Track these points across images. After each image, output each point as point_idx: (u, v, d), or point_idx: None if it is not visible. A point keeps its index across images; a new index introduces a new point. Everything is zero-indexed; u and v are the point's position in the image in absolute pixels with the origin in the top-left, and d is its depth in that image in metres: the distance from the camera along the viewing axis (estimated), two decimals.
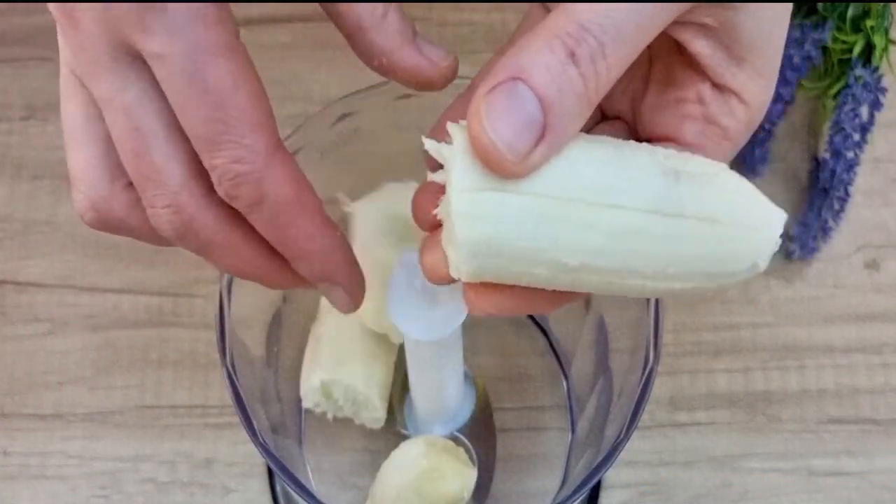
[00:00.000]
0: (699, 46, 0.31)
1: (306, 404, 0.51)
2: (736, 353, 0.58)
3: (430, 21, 0.66)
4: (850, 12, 0.59)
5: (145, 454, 0.55)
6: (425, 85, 0.35)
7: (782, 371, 0.58)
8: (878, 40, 0.59)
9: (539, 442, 0.55)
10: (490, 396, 0.55)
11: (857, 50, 0.59)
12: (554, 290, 0.32)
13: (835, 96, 0.60)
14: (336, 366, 0.50)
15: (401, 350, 0.53)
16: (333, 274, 0.35)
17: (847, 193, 0.60)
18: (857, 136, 0.59)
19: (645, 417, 0.54)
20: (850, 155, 0.59)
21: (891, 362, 0.58)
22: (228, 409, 0.56)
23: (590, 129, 0.36)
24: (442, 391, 0.49)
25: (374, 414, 0.51)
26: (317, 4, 0.34)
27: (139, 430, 0.56)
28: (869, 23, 0.59)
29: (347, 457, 0.54)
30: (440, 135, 0.32)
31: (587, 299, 0.52)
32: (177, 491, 0.54)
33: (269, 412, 0.48)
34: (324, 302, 0.53)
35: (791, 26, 0.60)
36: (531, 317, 0.57)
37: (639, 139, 0.34)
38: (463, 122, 0.30)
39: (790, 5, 0.32)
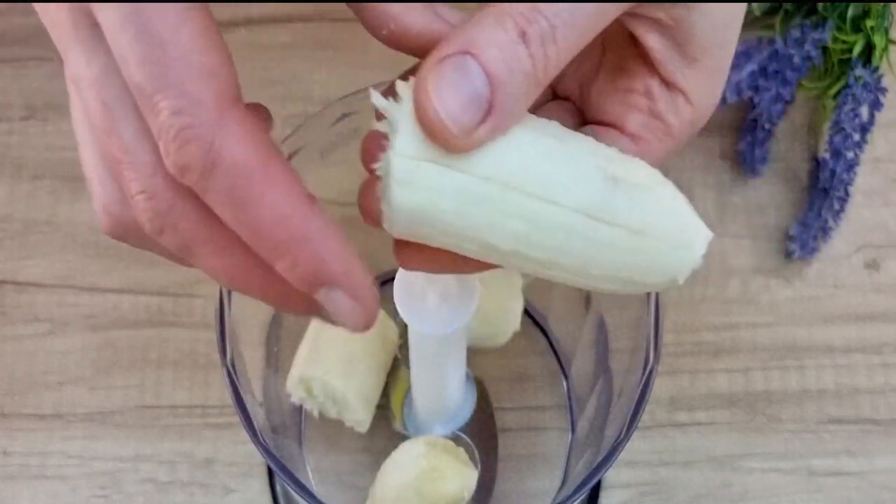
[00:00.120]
0: (652, 41, 0.31)
1: (293, 399, 0.51)
2: (736, 353, 0.58)
3: None
4: (850, 12, 0.59)
5: (145, 454, 0.55)
6: None
7: (782, 371, 0.58)
8: (878, 40, 0.59)
9: (539, 442, 0.55)
10: (490, 396, 0.55)
11: (857, 50, 0.59)
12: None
13: (835, 96, 0.60)
14: (313, 362, 0.50)
15: (403, 350, 0.53)
16: (325, 271, 0.28)
17: (847, 193, 0.60)
18: (857, 136, 0.59)
19: (645, 417, 0.54)
20: (850, 155, 0.59)
21: (891, 362, 0.58)
22: (228, 409, 0.56)
23: (540, 106, 0.35)
24: (444, 389, 0.49)
25: (355, 416, 0.51)
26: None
27: (139, 430, 0.56)
28: (869, 23, 0.59)
29: (347, 457, 0.54)
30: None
31: (587, 299, 0.52)
32: (177, 491, 0.54)
33: (269, 412, 0.48)
34: None
35: (791, 26, 0.60)
36: (531, 317, 0.57)
37: (585, 122, 0.34)
38: (410, 82, 0.30)
39: (742, 14, 0.32)
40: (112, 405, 0.57)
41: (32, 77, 0.65)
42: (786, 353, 0.58)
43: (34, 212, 0.61)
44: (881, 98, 0.60)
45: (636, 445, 0.55)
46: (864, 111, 0.59)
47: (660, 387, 0.57)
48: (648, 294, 0.44)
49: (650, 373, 0.43)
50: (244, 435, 0.42)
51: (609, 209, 0.30)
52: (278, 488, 0.54)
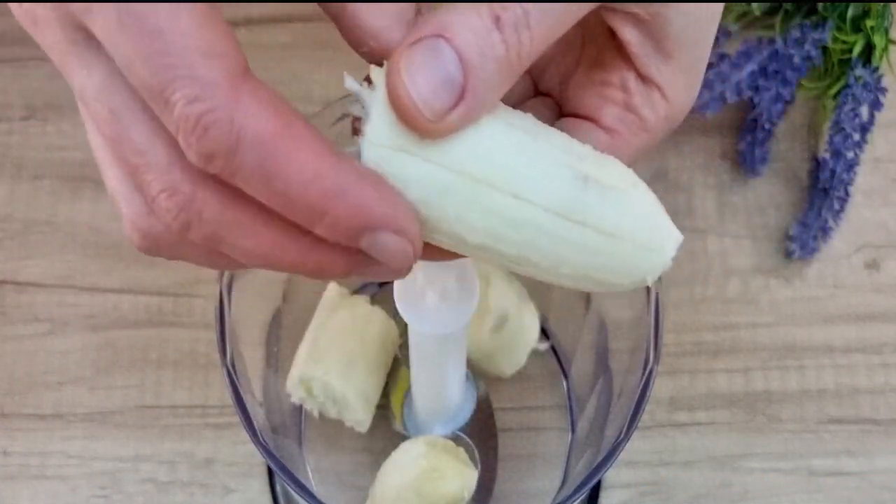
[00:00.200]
0: (628, 35, 0.31)
1: (293, 399, 0.51)
2: (736, 353, 0.58)
3: None
4: (850, 12, 0.59)
5: (145, 454, 0.55)
6: None
7: (782, 371, 0.58)
8: (878, 40, 0.59)
9: (539, 442, 0.55)
10: (490, 396, 0.55)
11: (857, 50, 0.59)
12: None
13: (835, 96, 0.60)
14: (313, 362, 0.50)
15: (403, 350, 0.53)
16: (368, 217, 0.27)
17: (847, 193, 0.60)
18: (857, 136, 0.59)
19: (645, 417, 0.54)
20: (850, 155, 0.59)
21: (891, 362, 0.58)
22: (228, 409, 0.56)
23: (521, 103, 0.35)
24: (444, 389, 0.49)
25: (355, 416, 0.51)
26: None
27: (139, 430, 0.56)
28: (869, 23, 0.59)
29: (347, 457, 0.54)
30: None
31: (587, 299, 0.52)
32: (177, 491, 0.54)
33: (269, 412, 0.48)
34: (323, 300, 0.53)
35: (791, 26, 0.60)
36: None
37: (562, 115, 0.34)
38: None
39: (719, 12, 0.32)
40: (112, 405, 0.57)
41: (32, 77, 0.65)
42: (786, 353, 0.58)
43: (34, 212, 0.61)
44: (881, 98, 0.60)
45: (636, 445, 0.55)
46: (864, 111, 0.59)
47: (660, 387, 0.57)
48: (648, 294, 0.44)
49: (650, 373, 0.43)
50: (244, 435, 0.42)
51: (579, 209, 0.29)
52: (278, 488, 0.54)
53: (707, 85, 0.60)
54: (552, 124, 0.33)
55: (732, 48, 0.61)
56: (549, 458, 0.55)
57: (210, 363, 0.57)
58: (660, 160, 0.62)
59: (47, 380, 0.57)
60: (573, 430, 0.55)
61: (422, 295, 0.41)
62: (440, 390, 0.49)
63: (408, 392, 0.52)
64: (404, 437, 0.52)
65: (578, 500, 0.49)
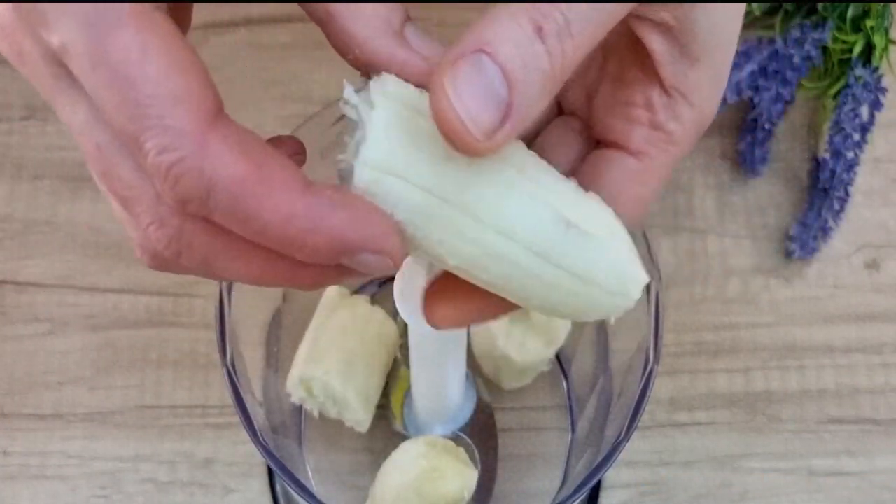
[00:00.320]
0: (655, 43, 0.31)
1: (293, 399, 0.51)
2: (736, 353, 0.58)
3: (429, 21, 0.66)
4: (850, 12, 0.59)
5: (145, 454, 0.55)
6: (420, 84, 0.30)
7: (782, 371, 0.58)
8: (878, 40, 0.59)
9: (539, 442, 0.55)
10: (490, 396, 0.55)
11: (857, 50, 0.59)
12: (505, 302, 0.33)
13: (835, 96, 0.60)
14: (313, 362, 0.50)
15: (403, 350, 0.53)
16: (345, 246, 0.28)
17: (847, 193, 0.60)
18: (857, 136, 0.59)
19: (645, 417, 0.54)
20: (850, 155, 0.59)
21: (891, 362, 0.58)
22: (228, 409, 0.56)
23: (547, 122, 0.36)
24: (444, 389, 0.49)
25: (355, 416, 0.51)
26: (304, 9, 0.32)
27: (139, 430, 0.56)
28: (869, 23, 0.59)
29: (347, 457, 0.54)
30: None
31: None
32: (177, 491, 0.54)
33: (269, 412, 0.48)
34: (323, 300, 0.53)
35: (791, 26, 0.60)
36: None
37: (593, 140, 0.35)
38: (387, 87, 0.29)
39: (742, 13, 0.32)
40: (112, 405, 0.57)
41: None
42: (786, 353, 0.58)
43: (34, 212, 0.61)
44: (881, 98, 0.60)
45: (636, 445, 0.55)
46: (864, 111, 0.59)
47: (660, 387, 0.57)
48: (648, 294, 0.44)
49: (650, 373, 0.43)
50: (244, 435, 0.42)
51: (557, 252, 0.30)
52: (278, 488, 0.54)
53: None
54: (580, 146, 0.35)
55: None
56: (549, 458, 0.55)
57: (210, 363, 0.57)
58: None
59: (47, 380, 0.57)
60: (573, 430, 0.55)
61: (421, 296, 0.41)
62: (440, 390, 0.49)
63: (408, 392, 0.52)
64: (404, 437, 0.52)
65: (578, 500, 0.49)
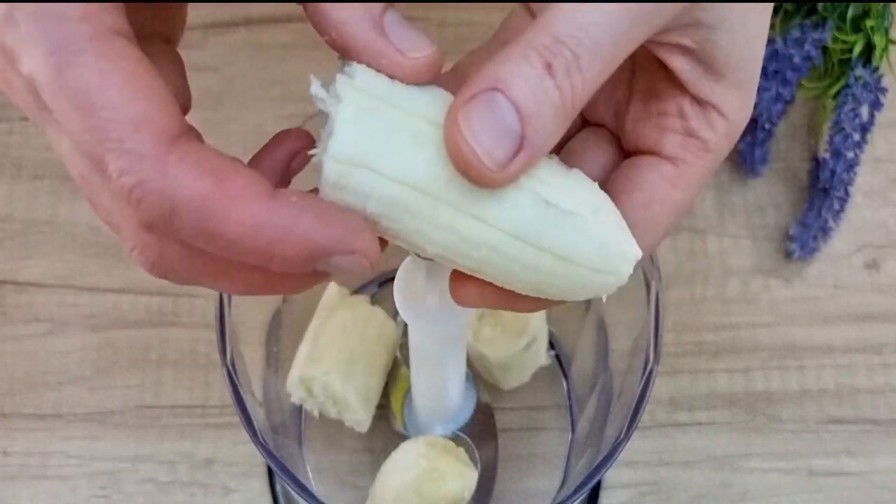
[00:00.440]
0: (677, 63, 0.31)
1: (293, 399, 0.51)
2: (736, 353, 0.58)
3: (429, 21, 0.66)
4: (850, 12, 0.59)
5: (145, 454, 0.55)
6: (395, 76, 0.30)
7: (782, 371, 0.58)
8: (878, 40, 0.59)
9: (539, 442, 0.55)
10: (490, 397, 0.55)
11: (857, 50, 0.59)
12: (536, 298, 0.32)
13: (835, 96, 0.60)
14: (313, 362, 0.50)
15: (403, 350, 0.53)
16: (315, 251, 0.28)
17: (847, 193, 0.60)
18: (857, 136, 0.59)
19: (645, 417, 0.54)
20: (850, 155, 0.59)
21: (891, 362, 0.58)
22: (228, 409, 0.56)
23: (571, 135, 0.36)
24: (444, 389, 0.49)
25: (355, 416, 0.51)
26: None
27: (139, 430, 0.56)
28: (869, 23, 0.59)
29: (347, 457, 0.54)
30: None
31: (587, 299, 0.52)
32: (177, 491, 0.54)
33: (269, 412, 0.48)
34: (323, 300, 0.53)
35: (791, 26, 0.60)
36: None
37: (622, 150, 0.35)
38: (355, 76, 0.29)
39: (767, 22, 0.32)
40: (112, 405, 0.57)
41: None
42: (786, 353, 0.58)
43: (34, 212, 0.61)
44: (881, 98, 0.60)
45: (636, 445, 0.55)
46: (864, 111, 0.59)
47: (660, 387, 0.57)
48: (648, 294, 0.44)
49: (650, 373, 0.43)
50: (244, 435, 0.42)
51: (536, 233, 0.30)
52: (278, 488, 0.54)
53: None
54: (609, 154, 0.34)
55: None
56: (549, 458, 0.55)
57: (210, 363, 0.57)
58: None
59: (47, 380, 0.57)
60: (573, 430, 0.55)
61: (422, 295, 0.41)
62: (440, 390, 0.49)
63: (408, 392, 0.52)
64: (404, 437, 0.52)
65: (578, 500, 0.49)
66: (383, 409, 0.54)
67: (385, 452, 0.49)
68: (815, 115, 0.64)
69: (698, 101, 0.32)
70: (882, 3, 0.60)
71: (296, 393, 0.51)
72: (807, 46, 0.59)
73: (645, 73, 0.34)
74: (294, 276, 0.30)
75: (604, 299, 0.32)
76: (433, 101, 0.30)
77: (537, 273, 0.30)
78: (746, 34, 0.31)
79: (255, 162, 0.33)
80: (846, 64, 0.60)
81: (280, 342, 0.51)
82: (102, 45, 0.27)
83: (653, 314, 0.44)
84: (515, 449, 0.55)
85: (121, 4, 0.28)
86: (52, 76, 0.26)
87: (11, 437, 0.56)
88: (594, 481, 0.42)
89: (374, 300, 0.55)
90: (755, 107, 0.60)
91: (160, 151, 0.27)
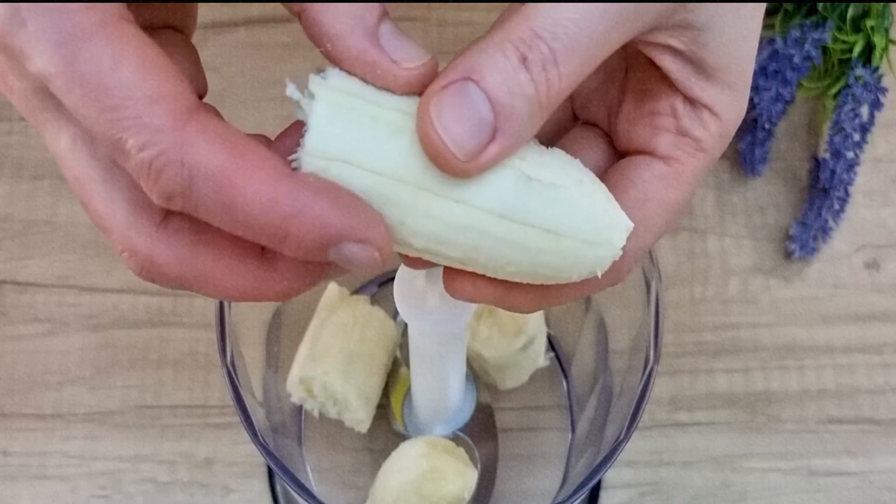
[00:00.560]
0: (668, 63, 0.31)
1: (293, 399, 0.51)
2: (736, 353, 0.58)
3: (429, 21, 0.66)
4: (850, 12, 0.59)
5: (145, 454, 0.55)
6: (389, 87, 0.30)
7: (782, 371, 0.58)
8: (878, 40, 0.59)
9: (539, 442, 0.55)
10: (490, 396, 0.55)
11: (857, 50, 0.59)
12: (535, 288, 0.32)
13: (835, 96, 0.60)
14: (313, 362, 0.50)
15: (403, 350, 0.53)
16: (328, 234, 0.28)
17: (847, 193, 0.60)
18: (857, 136, 0.59)
19: (645, 417, 0.54)
20: (850, 155, 0.59)
21: (891, 362, 0.58)
22: (228, 409, 0.56)
23: (564, 131, 0.36)
24: (444, 389, 0.49)
25: (355, 415, 0.51)
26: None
27: (139, 430, 0.56)
28: (869, 23, 0.59)
29: (347, 457, 0.54)
30: None
31: (587, 299, 0.52)
32: (177, 491, 0.54)
33: (269, 412, 0.48)
34: (323, 300, 0.53)
35: (791, 26, 0.60)
36: None
37: (615, 150, 0.35)
38: (329, 78, 0.30)
39: (759, 23, 0.32)
40: (112, 405, 0.57)
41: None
42: (786, 353, 0.58)
43: (34, 212, 0.61)
44: (881, 98, 0.60)
45: (636, 445, 0.55)
46: (864, 111, 0.59)
47: (660, 387, 0.57)
48: (648, 294, 0.44)
49: (650, 373, 0.43)
50: (244, 435, 0.42)
51: (521, 210, 0.29)
52: (278, 488, 0.54)
53: None
54: (602, 152, 0.34)
55: None
56: (549, 458, 0.55)
57: (210, 363, 0.57)
58: None
59: (47, 380, 0.57)
60: (573, 430, 0.55)
61: (422, 295, 0.41)
62: (440, 390, 0.49)
63: (408, 392, 0.52)
64: (404, 437, 0.52)
65: (578, 500, 0.49)
66: (383, 409, 0.54)
67: (385, 452, 0.49)
68: (815, 115, 0.64)
69: (690, 101, 0.32)
70: (882, 3, 0.60)
71: (296, 393, 0.51)
72: (807, 46, 0.59)
73: (637, 73, 0.34)
74: (286, 278, 0.30)
75: (599, 273, 0.31)
76: (408, 94, 0.30)
77: (527, 252, 0.30)
78: (736, 35, 0.31)
79: (276, 145, 0.32)
80: (846, 64, 0.60)
81: (280, 342, 0.51)
82: (111, 30, 0.27)
83: (653, 314, 0.43)
84: (515, 449, 0.55)
85: None
86: (64, 65, 0.27)
87: (11, 437, 0.56)
88: (594, 481, 0.42)
89: (374, 300, 0.55)
90: (755, 107, 0.60)
91: (178, 123, 0.27)
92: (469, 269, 0.31)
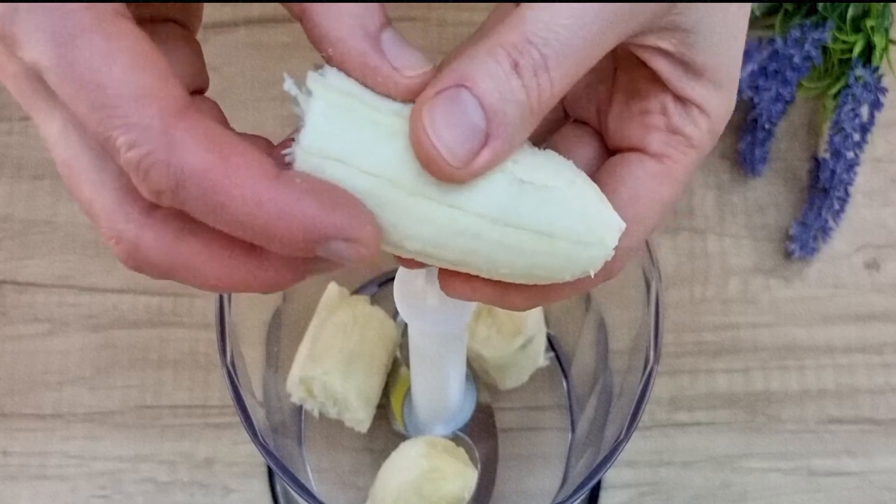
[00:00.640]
0: (658, 64, 0.32)
1: (293, 399, 0.51)
2: (736, 353, 0.58)
3: (429, 21, 0.66)
4: (850, 12, 0.59)
5: (145, 454, 0.55)
6: (389, 94, 0.30)
7: (782, 371, 0.58)
8: (878, 40, 0.59)
9: (539, 442, 0.55)
10: (490, 396, 0.55)
11: (857, 50, 0.59)
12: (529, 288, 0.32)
13: (835, 96, 0.60)
14: (313, 362, 0.50)
15: (403, 350, 0.53)
16: (314, 234, 0.28)
17: (847, 193, 0.60)
18: (857, 136, 0.59)
19: (645, 417, 0.54)
20: (850, 155, 0.59)
21: (891, 362, 0.58)
22: (228, 409, 0.56)
23: (554, 130, 0.36)
24: (444, 389, 0.49)
25: (355, 415, 0.51)
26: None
27: (139, 430, 0.56)
28: (869, 23, 0.59)
29: (347, 457, 0.54)
30: None
31: (587, 299, 0.52)
32: (177, 491, 0.54)
33: (269, 412, 0.48)
34: (323, 300, 0.53)
35: (791, 26, 0.60)
36: None
37: (606, 148, 0.35)
38: (327, 76, 0.30)
39: (745, 21, 0.33)
40: (112, 405, 0.57)
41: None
42: (786, 353, 0.58)
43: (34, 212, 0.61)
44: (881, 98, 0.60)
45: (636, 445, 0.55)
46: (864, 111, 0.59)
47: (660, 387, 0.57)
48: (648, 294, 0.44)
49: (650, 373, 0.43)
50: (244, 435, 0.42)
51: (514, 213, 0.30)
52: (278, 488, 0.54)
53: None
54: (593, 150, 0.34)
55: None
56: (549, 458, 0.55)
57: (210, 363, 0.57)
58: None
59: (47, 380, 0.57)
60: (573, 430, 0.55)
61: (422, 295, 0.41)
62: (440, 390, 0.49)
63: (408, 392, 0.52)
64: (404, 437, 0.52)
65: (578, 500, 0.49)
66: (383, 409, 0.54)
67: (385, 452, 0.49)
68: (815, 115, 0.64)
69: (680, 100, 0.32)
70: (882, 3, 0.60)
71: (296, 393, 0.51)
72: (807, 46, 0.59)
73: (627, 72, 0.34)
74: (275, 270, 0.30)
75: (592, 273, 0.31)
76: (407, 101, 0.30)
77: (521, 254, 0.30)
78: (724, 34, 0.32)
79: (279, 149, 0.32)
80: (846, 64, 0.60)
81: (280, 342, 0.51)
82: (106, 27, 0.27)
83: (653, 314, 0.43)
84: (515, 449, 0.55)
85: None
86: (58, 60, 0.27)
87: (11, 437, 0.56)
88: (594, 481, 0.42)
89: (374, 300, 0.55)
90: (755, 107, 0.60)
91: (166, 124, 0.27)
92: (463, 270, 0.31)
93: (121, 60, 0.27)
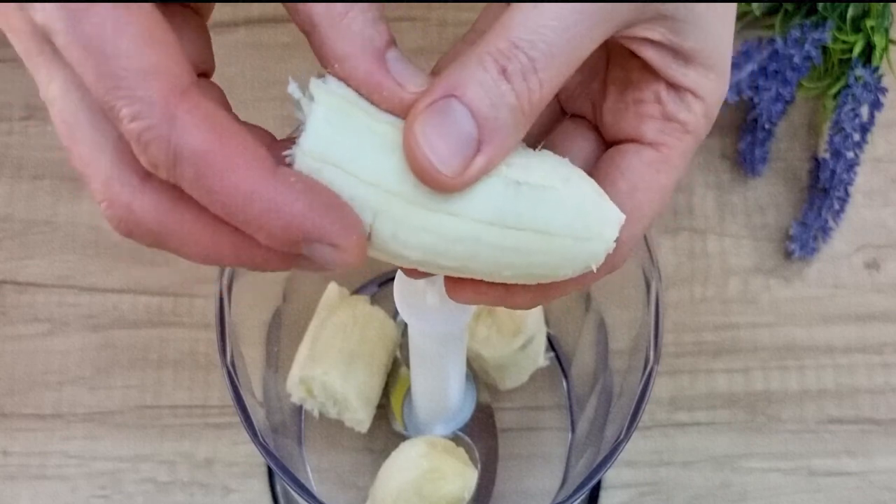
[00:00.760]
0: (648, 54, 0.32)
1: (293, 399, 0.51)
2: (736, 353, 0.58)
3: (429, 21, 0.66)
4: (850, 12, 0.59)
5: (145, 454, 0.55)
6: (392, 110, 0.30)
7: (782, 371, 0.58)
8: (878, 40, 0.59)
9: (539, 442, 0.55)
10: (490, 396, 0.55)
11: (857, 50, 0.59)
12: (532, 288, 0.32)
13: (835, 96, 0.60)
14: (313, 362, 0.50)
15: (403, 350, 0.53)
16: (300, 233, 0.28)
17: (847, 193, 0.60)
18: (857, 136, 0.59)
19: (645, 417, 0.54)
20: (850, 155, 0.59)
21: (891, 362, 0.58)
22: (228, 409, 0.56)
23: (552, 126, 0.36)
24: (444, 389, 0.49)
25: (355, 415, 0.51)
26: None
27: (139, 430, 0.56)
28: (869, 23, 0.59)
29: (347, 457, 0.54)
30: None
31: (587, 299, 0.52)
32: (177, 491, 0.54)
33: (269, 412, 0.48)
34: (323, 300, 0.53)
35: (791, 26, 0.60)
36: None
37: (603, 141, 0.35)
38: (327, 81, 0.30)
39: (734, 4, 0.33)
40: (112, 405, 0.57)
41: (32, 77, 0.65)
42: (786, 353, 0.58)
43: (34, 212, 0.61)
44: (881, 98, 0.60)
45: (636, 445, 0.55)
46: (864, 111, 0.59)
47: (660, 387, 0.57)
48: (648, 294, 0.44)
49: (650, 373, 0.43)
50: (244, 435, 0.42)
51: (512, 215, 0.30)
52: (278, 488, 0.54)
53: None
54: (591, 144, 0.35)
55: (732, 48, 0.61)
56: (549, 458, 0.55)
57: (210, 363, 0.57)
58: None
59: (47, 380, 0.57)
60: (573, 430, 0.55)
61: (422, 295, 0.41)
62: (440, 390, 0.49)
63: (408, 392, 0.52)
64: (404, 437, 0.52)
65: (578, 500, 0.49)
66: (383, 409, 0.54)
67: (385, 452, 0.49)
68: (815, 115, 0.64)
69: (673, 87, 0.33)
70: (882, 3, 0.60)
71: (296, 393, 0.51)
72: (807, 46, 0.59)
73: (618, 64, 0.34)
74: (264, 250, 0.30)
75: (594, 268, 0.31)
76: None
77: (522, 255, 0.30)
78: (713, 18, 0.32)
79: (279, 144, 0.33)
80: (846, 64, 0.60)
81: (280, 342, 0.51)
82: None
83: (653, 314, 0.44)
84: (515, 449, 0.55)
85: None
86: (68, 25, 0.27)
87: (11, 437, 0.56)
88: (594, 481, 0.42)
89: (374, 300, 0.55)
90: (755, 107, 0.60)
91: (169, 100, 0.27)
92: (466, 276, 0.31)
93: (130, 33, 0.27)
